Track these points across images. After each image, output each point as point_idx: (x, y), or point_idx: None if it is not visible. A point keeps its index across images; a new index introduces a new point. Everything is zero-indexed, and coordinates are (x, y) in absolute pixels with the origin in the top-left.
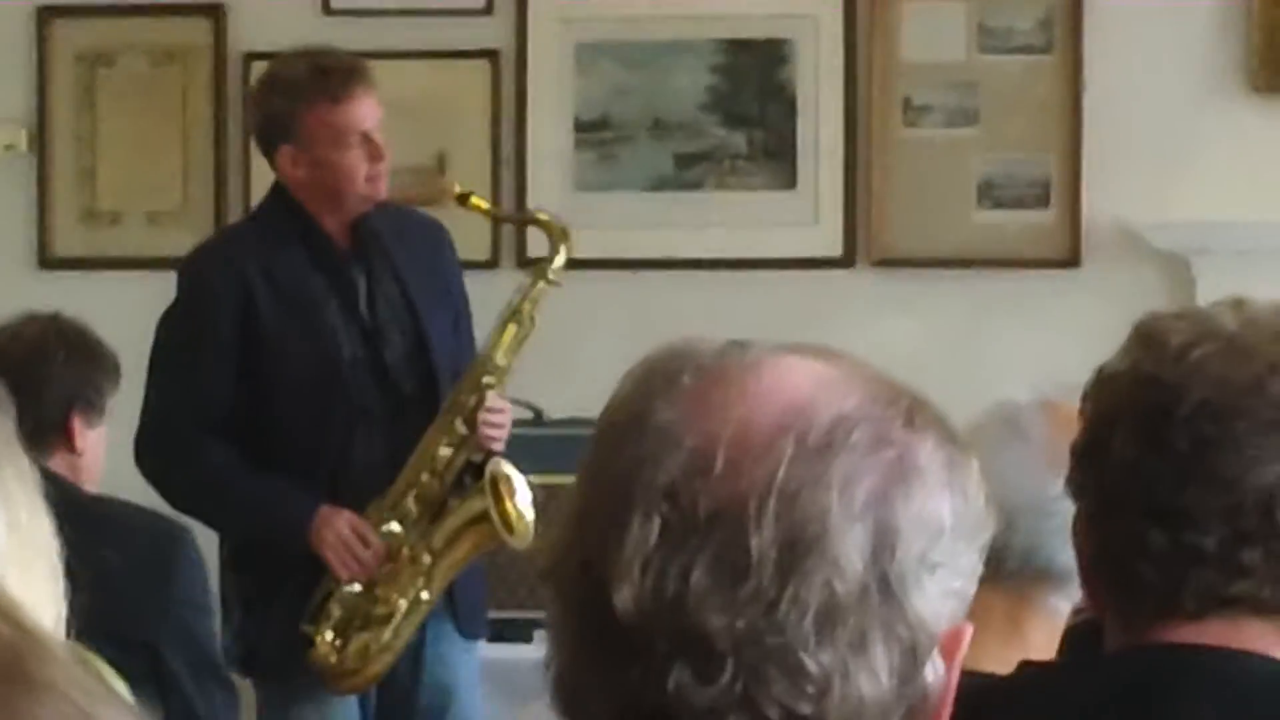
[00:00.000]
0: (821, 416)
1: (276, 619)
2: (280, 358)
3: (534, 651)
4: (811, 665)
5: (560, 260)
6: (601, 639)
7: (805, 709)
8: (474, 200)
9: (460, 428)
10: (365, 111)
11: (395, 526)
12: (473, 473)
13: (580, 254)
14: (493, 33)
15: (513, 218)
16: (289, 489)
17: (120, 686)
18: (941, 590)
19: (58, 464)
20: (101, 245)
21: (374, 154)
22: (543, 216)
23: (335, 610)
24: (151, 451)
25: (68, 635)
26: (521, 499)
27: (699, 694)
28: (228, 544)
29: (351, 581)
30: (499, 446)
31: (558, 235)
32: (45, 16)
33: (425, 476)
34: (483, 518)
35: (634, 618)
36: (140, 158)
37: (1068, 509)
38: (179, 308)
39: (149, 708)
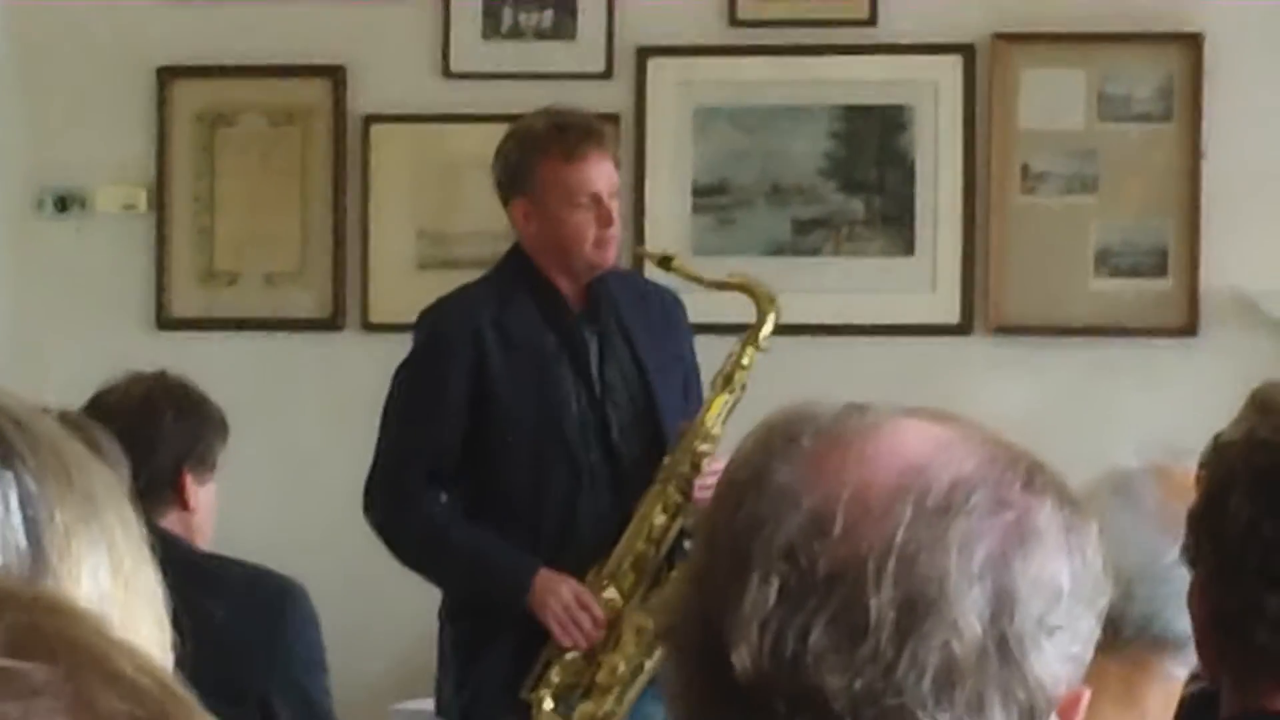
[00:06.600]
0: (941, 478)
1: (493, 670)
2: (509, 413)
3: None
4: None
5: (769, 327)
6: (720, 698)
7: None
8: (677, 264)
9: (676, 495)
10: (598, 173)
11: (613, 593)
12: (686, 539)
13: (696, 319)
14: (612, 96)
15: (719, 283)
16: (512, 548)
17: None
18: (1060, 653)
19: (171, 522)
20: (219, 306)
21: (603, 218)
22: (748, 283)
23: (556, 677)
24: (378, 502)
25: None
26: None
27: None
28: (448, 597)
29: (573, 649)
30: None
31: (765, 302)
32: (165, 76)
33: (642, 544)
34: None
35: (752, 677)
36: (259, 218)
37: (1183, 575)
38: (414, 360)
39: None
